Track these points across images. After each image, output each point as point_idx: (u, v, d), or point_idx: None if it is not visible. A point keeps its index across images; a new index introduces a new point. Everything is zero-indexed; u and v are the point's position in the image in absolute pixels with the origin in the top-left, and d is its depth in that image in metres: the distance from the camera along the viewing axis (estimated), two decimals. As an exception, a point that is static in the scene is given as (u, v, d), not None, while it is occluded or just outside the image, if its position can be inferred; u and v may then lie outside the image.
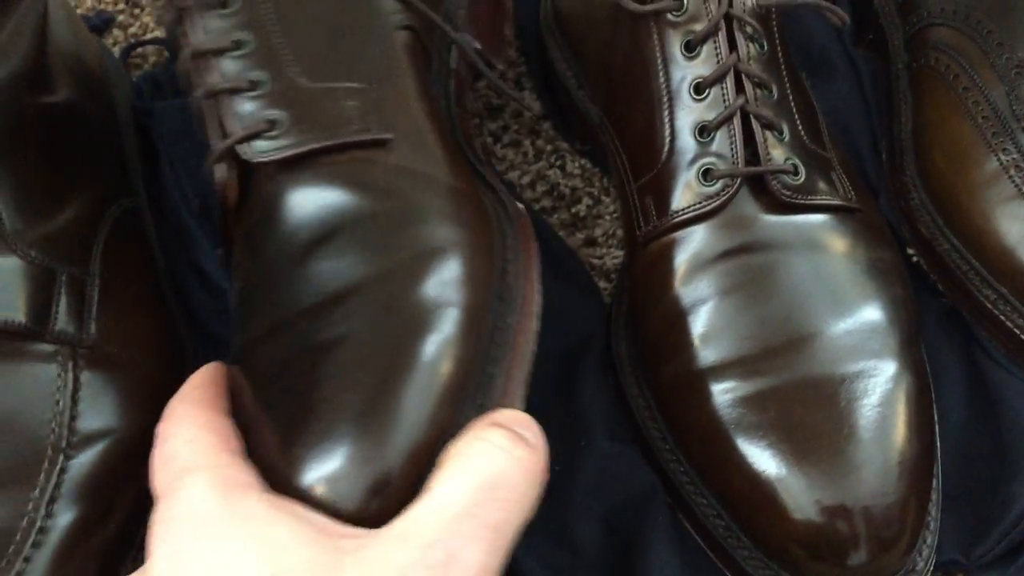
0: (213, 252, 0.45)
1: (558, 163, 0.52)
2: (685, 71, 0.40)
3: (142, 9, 0.56)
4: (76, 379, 0.37)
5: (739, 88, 0.39)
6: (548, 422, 0.42)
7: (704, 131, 0.39)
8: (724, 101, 0.39)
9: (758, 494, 0.36)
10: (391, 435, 0.29)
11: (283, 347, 0.32)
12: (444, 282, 0.31)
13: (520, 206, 0.38)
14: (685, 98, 0.40)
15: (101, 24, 0.55)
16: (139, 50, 0.55)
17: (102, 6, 0.56)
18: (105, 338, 0.39)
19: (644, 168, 0.41)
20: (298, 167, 0.33)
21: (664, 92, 0.40)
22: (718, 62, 0.39)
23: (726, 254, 0.39)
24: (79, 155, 0.42)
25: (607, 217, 0.50)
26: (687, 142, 0.39)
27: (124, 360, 0.39)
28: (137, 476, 0.38)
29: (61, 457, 0.35)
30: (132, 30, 0.56)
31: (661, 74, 0.40)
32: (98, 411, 0.37)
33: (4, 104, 0.38)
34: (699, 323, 0.39)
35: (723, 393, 0.38)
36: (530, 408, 0.42)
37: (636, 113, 0.41)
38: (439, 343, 0.30)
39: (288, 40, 0.35)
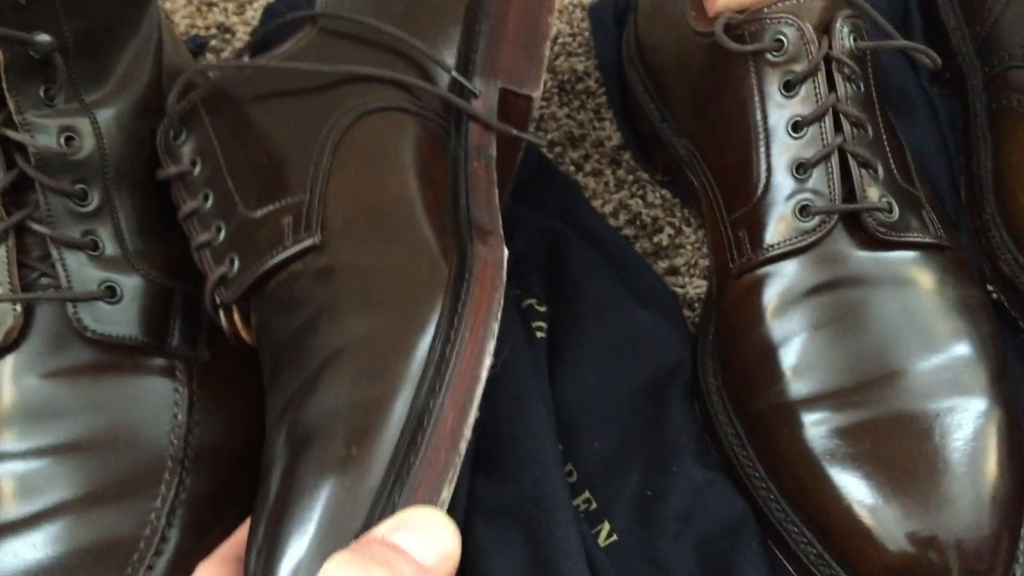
0: None
1: (639, 193, 0.53)
2: (783, 109, 0.41)
3: (233, 34, 0.58)
4: (192, 394, 0.38)
5: (837, 127, 0.40)
6: (638, 449, 0.43)
7: (802, 168, 0.40)
8: (823, 139, 0.40)
9: (852, 524, 0.37)
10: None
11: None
12: (348, 381, 0.32)
13: (502, 251, 0.36)
14: (782, 135, 0.41)
15: (196, 49, 0.57)
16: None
17: (194, 31, 0.58)
18: (217, 356, 0.40)
19: (738, 202, 0.42)
20: (258, 295, 0.37)
21: (761, 129, 0.41)
22: (817, 102, 0.40)
23: (819, 288, 0.40)
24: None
25: (688, 247, 0.51)
26: (784, 178, 0.41)
27: (234, 379, 0.40)
28: (242, 492, 0.39)
29: (180, 469, 0.37)
30: (224, 55, 0.58)
31: (758, 112, 0.41)
32: (212, 427, 0.38)
33: (126, 131, 0.39)
34: (792, 355, 0.40)
35: (817, 424, 0.38)
36: (620, 436, 0.44)
37: (731, 148, 0.43)
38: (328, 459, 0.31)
39: (234, 180, 0.38)
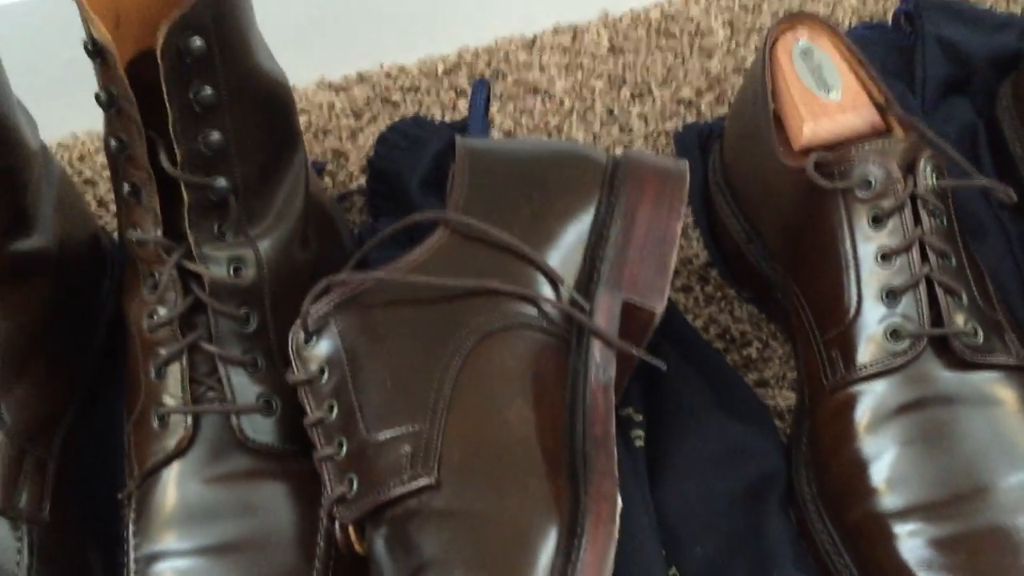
0: None
1: (727, 308, 0.56)
2: (871, 241, 0.45)
3: (347, 159, 0.64)
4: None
5: (923, 257, 0.44)
6: (739, 553, 0.46)
7: (891, 295, 0.44)
8: (910, 269, 0.44)
9: (950, 631, 0.39)
10: None
11: None
12: None
13: (615, 503, 0.37)
14: (871, 265, 0.45)
15: (317, 171, 0.62)
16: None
17: (312, 157, 0.64)
18: None
19: (830, 324, 0.46)
20: (372, 523, 0.38)
21: (851, 258, 0.45)
22: (904, 235, 0.44)
23: (909, 407, 0.43)
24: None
25: (776, 360, 0.54)
26: (874, 304, 0.44)
27: None
28: None
29: (326, 569, 0.41)
30: (339, 178, 0.63)
31: (847, 242, 0.45)
32: None
33: (281, 259, 0.44)
34: (885, 469, 0.43)
35: (912, 536, 0.41)
36: (721, 542, 0.46)
37: (822, 274, 0.46)
38: None
39: (359, 393, 0.40)
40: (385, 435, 0.39)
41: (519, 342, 0.41)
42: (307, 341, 0.41)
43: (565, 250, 0.44)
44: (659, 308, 0.43)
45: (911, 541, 0.41)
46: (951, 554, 0.40)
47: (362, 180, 0.63)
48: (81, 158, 0.63)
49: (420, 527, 0.37)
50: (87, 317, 0.52)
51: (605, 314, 0.42)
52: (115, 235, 0.59)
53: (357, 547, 0.40)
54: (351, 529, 0.40)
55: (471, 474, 0.37)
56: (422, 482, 0.37)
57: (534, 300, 0.42)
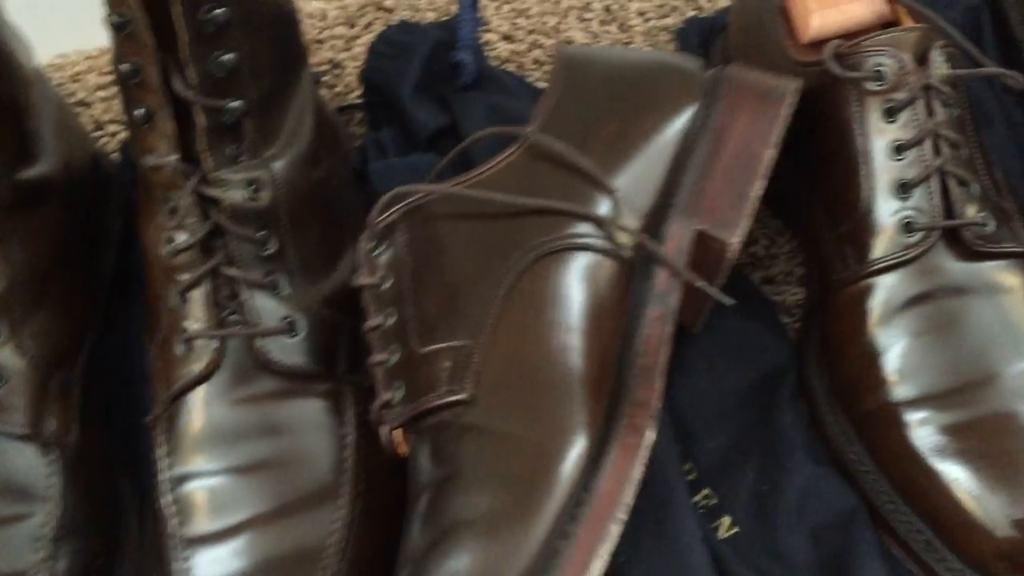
0: None
1: (734, 206, 0.56)
2: (884, 134, 0.45)
3: (343, 69, 0.63)
4: (359, 414, 0.43)
5: (936, 149, 0.44)
6: (752, 447, 0.47)
7: (904, 187, 0.44)
8: (923, 161, 0.44)
9: (962, 514, 0.41)
10: None
11: None
12: (467, 558, 0.35)
13: (646, 436, 0.38)
14: (884, 158, 0.45)
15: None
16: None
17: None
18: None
19: (841, 218, 0.46)
20: (414, 430, 0.39)
21: (864, 152, 0.45)
22: (918, 127, 0.44)
23: (920, 298, 0.44)
24: (345, 217, 0.48)
25: (782, 256, 0.55)
26: (886, 197, 0.44)
27: None
28: (403, 507, 0.44)
29: (357, 482, 0.41)
30: (337, 89, 0.62)
31: (859, 136, 0.45)
32: (374, 446, 0.43)
33: (294, 180, 0.44)
34: (897, 360, 0.44)
35: (923, 424, 0.43)
36: (733, 436, 0.47)
37: (833, 169, 0.46)
38: None
39: (416, 305, 0.40)
40: (431, 347, 0.39)
41: (578, 265, 0.40)
42: (374, 249, 0.42)
43: (643, 172, 0.43)
44: (733, 241, 0.41)
45: (923, 428, 0.42)
46: (962, 440, 0.42)
47: (360, 91, 0.62)
48: (74, 79, 0.61)
49: (452, 439, 0.38)
50: (96, 241, 0.52)
51: (675, 242, 0.41)
52: (112, 157, 0.59)
53: (400, 450, 0.41)
54: (398, 432, 0.40)
55: (506, 393, 0.38)
56: (456, 397, 0.38)
57: (601, 223, 0.41)
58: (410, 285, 0.41)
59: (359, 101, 0.61)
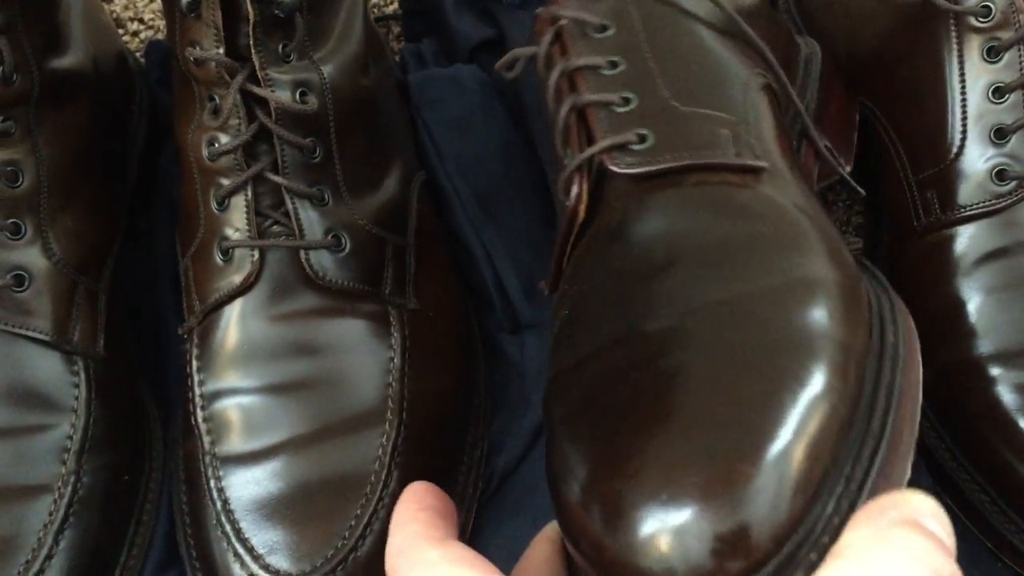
0: None
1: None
2: (984, 75, 0.41)
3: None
4: (405, 339, 0.40)
5: (1038, 94, 0.41)
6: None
7: (1000, 133, 0.41)
8: (1024, 106, 0.41)
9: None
10: (758, 479, 0.24)
11: (609, 368, 0.30)
12: (824, 315, 0.28)
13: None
14: (980, 100, 0.41)
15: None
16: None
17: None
18: (423, 304, 0.42)
19: (927, 163, 0.43)
20: (662, 183, 0.34)
21: (958, 92, 0.42)
22: (1021, 70, 0.41)
23: (1008, 250, 0.41)
24: (392, 132, 0.45)
25: (840, 204, 0.52)
26: (980, 142, 0.41)
27: (439, 326, 0.42)
28: (452, 434, 0.41)
29: (400, 410, 0.39)
30: (373, 1, 0.58)
31: (956, 75, 0.42)
32: (424, 371, 0.41)
33: (344, 86, 0.41)
34: (980, 312, 0.41)
35: (1005, 379, 0.40)
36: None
37: (921, 110, 0.43)
38: (819, 377, 0.26)
39: (659, 66, 0.36)
40: (694, 110, 0.35)
41: (767, 95, 0.38)
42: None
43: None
44: (847, 168, 0.41)
45: (1003, 386, 0.40)
46: (1042, 400, 0.39)
47: (396, 3, 0.58)
48: (99, -31, 0.58)
49: (743, 196, 0.33)
50: (123, 142, 0.49)
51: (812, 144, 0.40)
52: (137, 56, 0.55)
53: (581, 209, 0.36)
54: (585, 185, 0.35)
55: (785, 182, 0.34)
56: (756, 163, 0.34)
57: (780, 80, 0.39)
58: (644, 38, 0.36)
59: (395, 12, 0.57)
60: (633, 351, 0.29)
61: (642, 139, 0.34)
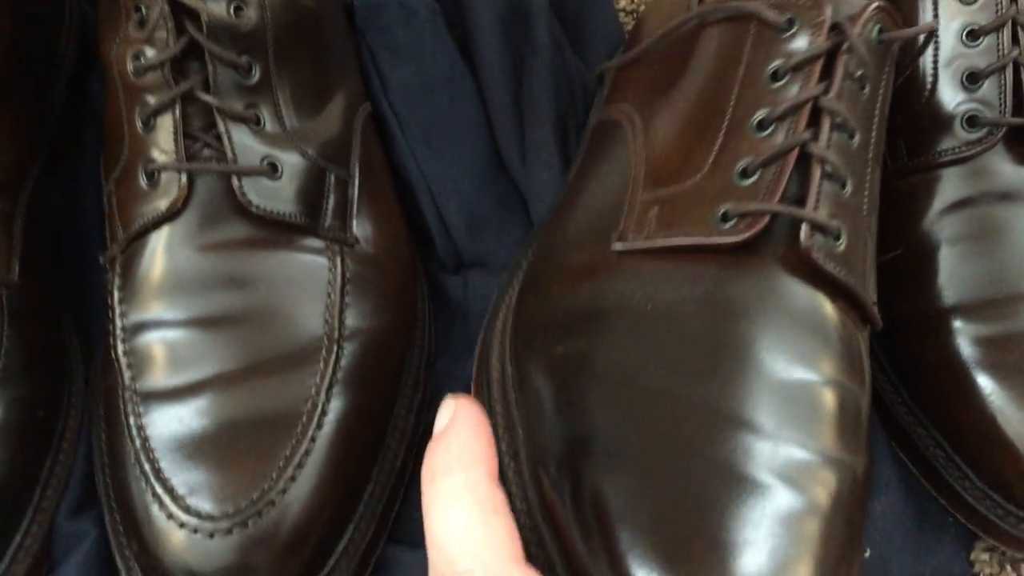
0: None
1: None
2: (958, 16, 0.40)
3: None
4: (343, 275, 0.38)
5: (1014, 38, 0.39)
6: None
7: (973, 78, 0.39)
8: (999, 50, 0.39)
9: (992, 431, 0.38)
10: None
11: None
12: None
13: None
14: (954, 42, 0.40)
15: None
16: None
17: None
18: (364, 238, 0.40)
19: (898, 106, 0.41)
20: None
21: (932, 34, 0.40)
22: (997, 12, 0.39)
23: (974, 200, 0.40)
24: (336, 57, 0.42)
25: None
26: (952, 86, 0.40)
27: (380, 260, 0.40)
28: (389, 373, 0.39)
29: (336, 347, 0.37)
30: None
31: (929, 13, 0.40)
32: (362, 308, 0.38)
33: (286, 3, 0.38)
34: (941, 263, 0.40)
35: (963, 333, 0.39)
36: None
37: (892, 51, 0.42)
38: None
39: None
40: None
41: None
42: None
43: None
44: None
45: (961, 338, 0.39)
46: (1003, 353, 0.38)
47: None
48: None
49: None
50: (48, 62, 0.46)
51: None
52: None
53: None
54: None
55: None
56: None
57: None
58: None
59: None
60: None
61: (837, 236, 0.33)
